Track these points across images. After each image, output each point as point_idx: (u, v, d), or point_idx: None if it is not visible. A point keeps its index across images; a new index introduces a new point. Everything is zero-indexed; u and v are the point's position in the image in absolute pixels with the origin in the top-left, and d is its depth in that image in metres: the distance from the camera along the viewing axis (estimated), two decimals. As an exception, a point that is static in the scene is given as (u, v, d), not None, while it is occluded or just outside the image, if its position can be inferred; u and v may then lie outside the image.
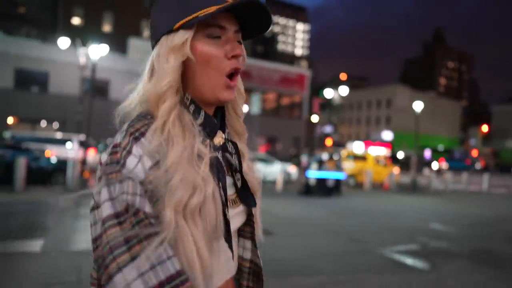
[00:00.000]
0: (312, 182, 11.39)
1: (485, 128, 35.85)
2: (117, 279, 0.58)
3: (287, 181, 15.77)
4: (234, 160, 0.77)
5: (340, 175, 12.01)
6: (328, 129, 36.60)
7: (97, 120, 22.32)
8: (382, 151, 52.30)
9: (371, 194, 13.90)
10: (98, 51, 21.24)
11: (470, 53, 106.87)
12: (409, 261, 5.07)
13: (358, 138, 59.83)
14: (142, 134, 0.65)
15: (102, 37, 32.36)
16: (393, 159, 41.86)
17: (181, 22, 0.70)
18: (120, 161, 0.63)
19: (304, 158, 17.53)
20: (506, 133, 53.39)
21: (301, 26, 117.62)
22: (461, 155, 44.07)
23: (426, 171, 25.16)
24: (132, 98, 0.75)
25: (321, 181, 11.13)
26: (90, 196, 0.68)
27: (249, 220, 0.81)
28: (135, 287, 0.57)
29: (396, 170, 17.73)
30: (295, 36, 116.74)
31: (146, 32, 35.33)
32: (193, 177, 0.64)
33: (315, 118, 61.28)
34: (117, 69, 23.99)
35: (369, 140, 56.24)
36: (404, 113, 56.66)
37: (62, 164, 11.19)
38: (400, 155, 45.42)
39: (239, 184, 0.78)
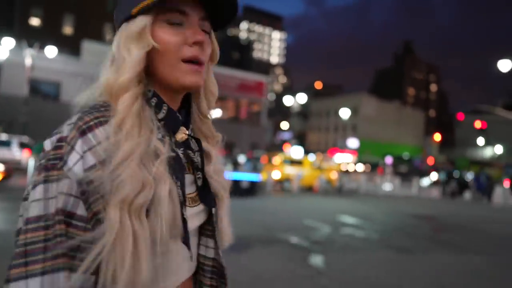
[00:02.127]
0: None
1: (437, 137, 37.17)
2: (14, 286, 0.55)
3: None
4: (196, 158, 0.74)
5: (255, 177, 12.36)
6: (286, 135, 37.19)
7: (48, 122, 22.19)
8: (348, 158, 53.64)
9: (293, 196, 14.40)
10: (47, 52, 21.16)
11: (437, 65, 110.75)
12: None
13: (326, 145, 61.00)
14: (90, 129, 0.61)
15: (62, 40, 32.20)
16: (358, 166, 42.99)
17: (139, 7, 0.66)
18: (64, 157, 0.59)
19: (240, 160, 17.90)
20: (467, 142, 55.63)
21: (277, 35, 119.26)
22: (420, 163, 45.59)
23: (375, 177, 26.02)
24: (92, 88, 0.70)
25: (235, 183, 11.48)
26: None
27: (210, 219, 0.78)
28: None
29: (333, 174, 18.35)
30: (271, 44, 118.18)
31: (109, 36, 35.16)
32: (144, 174, 0.60)
33: (285, 125, 62.17)
34: (70, 71, 23.80)
35: (336, 147, 57.45)
36: (370, 122, 58.32)
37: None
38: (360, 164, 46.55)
39: (199, 182, 0.75)
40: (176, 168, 0.67)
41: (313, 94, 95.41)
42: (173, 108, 0.72)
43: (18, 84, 22.37)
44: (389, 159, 49.07)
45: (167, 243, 0.63)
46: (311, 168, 17.67)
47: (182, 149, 0.72)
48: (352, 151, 55.19)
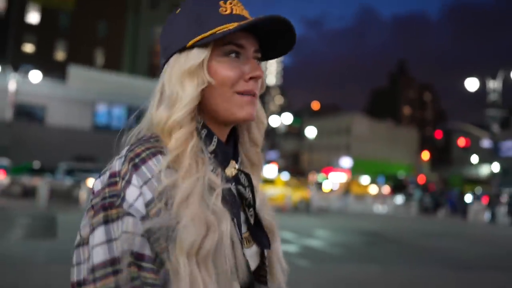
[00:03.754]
0: None
1: (425, 155, 37.48)
2: None
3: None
4: (247, 194, 0.69)
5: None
6: (272, 155, 37.69)
7: (32, 145, 22.77)
8: (342, 177, 53.81)
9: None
10: (32, 77, 21.97)
11: (431, 83, 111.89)
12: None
13: (320, 164, 61.29)
14: (143, 161, 0.58)
15: (54, 65, 33.24)
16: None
17: (196, 39, 0.64)
18: (120, 193, 0.56)
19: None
20: (465, 160, 55.75)
21: (267, 60, 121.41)
22: (413, 181, 45.67)
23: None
24: (140, 125, 0.68)
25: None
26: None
27: (263, 263, 0.71)
28: None
29: (307, 193, 18.66)
30: (266, 66, 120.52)
31: (100, 60, 36.26)
32: (205, 214, 0.57)
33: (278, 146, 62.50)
34: (55, 96, 24.59)
35: (330, 166, 57.67)
36: (362, 141, 58.75)
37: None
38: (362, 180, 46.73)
39: (252, 220, 0.69)
40: (232, 204, 0.63)
41: (310, 114, 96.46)
42: (222, 140, 0.69)
43: (2, 108, 23.10)
44: (381, 179, 49.31)
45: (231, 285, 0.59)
46: (284, 187, 18.00)
47: (233, 184, 0.67)
48: (346, 170, 55.42)
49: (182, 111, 0.62)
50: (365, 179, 51.20)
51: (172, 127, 0.62)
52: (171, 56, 0.66)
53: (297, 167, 66.66)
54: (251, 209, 0.69)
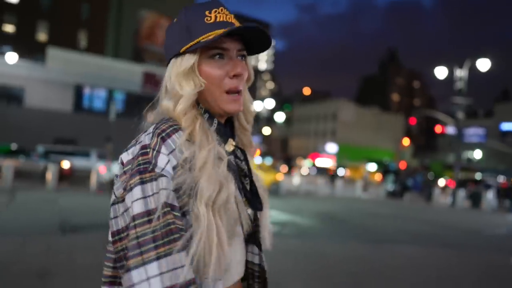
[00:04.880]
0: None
1: (405, 141, 38.12)
2: (136, 272, 0.64)
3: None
4: (243, 166, 0.84)
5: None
6: (254, 139, 37.99)
7: (12, 127, 22.81)
8: (328, 163, 54.59)
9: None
10: (8, 58, 21.90)
11: (420, 71, 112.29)
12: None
13: (307, 150, 61.95)
14: (168, 135, 0.73)
15: (36, 46, 32.90)
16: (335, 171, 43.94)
17: (186, 46, 0.78)
18: (151, 160, 0.70)
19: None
20: (450, 147, 56.77)
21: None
22: (392, 167, 46.57)
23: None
24: (153, 115, 0.84)
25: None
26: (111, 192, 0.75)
27: (256, 225, 0.85)
28: (154, 284, 0.63)
29: (279, 176, 19.17)
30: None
31: (83, 43, 35.93)
32: (218, 176, 0.72)
33: (267, 130, 63.05)
34: (34, 77, 24.53)
35: (317, 152, 58.40)
36: (348, 127, 59.35)
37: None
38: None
39: (248, 187, 0.84)
40: (234, 172, 0.80)
41: (301, 100, 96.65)
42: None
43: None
44: (367, 164, 50.11)
45: (232, 237, 0.74)
46: (257, 170, 18.48)
47: (232, 157, 0.83)
48: (331, 155, 56.16)
49: (183, 105, 0.78)
50: (372, 166, 51.57)
51: (179, 115, 0.78)
52: (169, 60, 0.82)
53: (285, 152, 67.51)
54: (247, 178, 0.84)
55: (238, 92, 0.81)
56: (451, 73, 19.08)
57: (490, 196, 16.97)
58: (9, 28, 33.40)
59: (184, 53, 0.79)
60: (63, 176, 15.77)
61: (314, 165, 55.81)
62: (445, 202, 19.77)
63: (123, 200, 0.71)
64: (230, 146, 0.84)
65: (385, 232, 8.60)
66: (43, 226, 6.36)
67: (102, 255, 0.77)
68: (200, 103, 0.83)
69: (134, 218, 0.67)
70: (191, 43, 0.78)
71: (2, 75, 22.90)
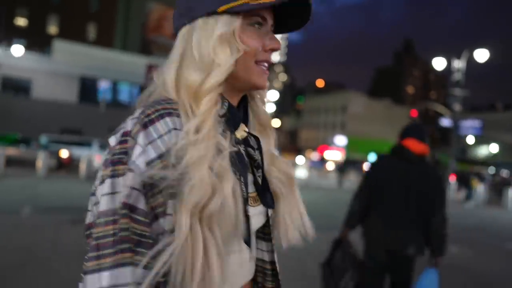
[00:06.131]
0: None
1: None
2: (90, 278, 0.56)
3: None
4: (256, 155, 0.72)
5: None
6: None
7: (19, 117, 23.74)
8: (337, 155, 54.39)
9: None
10: (14, 51, 22.72)
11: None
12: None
13: (317, 142, 61.82)
14: (151, 122, 0.61)
15: (47, 39, 33.84)
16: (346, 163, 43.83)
17: (228, 6, 0.65)
18: (129, 151, 0.59)
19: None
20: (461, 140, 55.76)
21: (278, 34, 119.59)
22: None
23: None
24: (150, 88, 0.70)
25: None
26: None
27: (268, 222, 0.75)
28: None
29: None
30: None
31: (92, 35, 36.72)
32: (213, 179, 0.59)
33: (276, 123, 63.06)
34: (40, 69, 25.37)
35: (326, 144, 58.21)
36: (358, 119, 58.84)
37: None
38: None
39: (259, 181, 0.72)
40: (240, 165, 0.67)
41: (313, 92, 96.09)
42: (233, 105, 0.71)
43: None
44: (372, 156, 49.74)
45: (229, 244, 0.63)
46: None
47: (243, 146, 0.71)
48: (340, 148, 55.90)
49: (219, 77, 0.65)
50: (373, 158, 51.20)
51: (208, 91, 0.64)
52: (195, 18, 0.67)
53: (295, 144, 67.52)
54: (260, 170, 0.73)
55: (270, 63, 0.73)
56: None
57: (480, 189, 16.80)
58: (21, 21, 34.46)
59: (221, 13, 0.66)
60: (62, 165, 16.42)
61: (322, 157, 55.65)
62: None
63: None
64: (241, 132, 0.73)
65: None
66: (5, 206, 6.84)
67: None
68: None
69: (98, 215, 0.59)
70: (237, 2, 0.65)
71: (10, 67, 23.75)
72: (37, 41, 32.76)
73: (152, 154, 0.59)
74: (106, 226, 0.57)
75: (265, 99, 0.81)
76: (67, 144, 18.93)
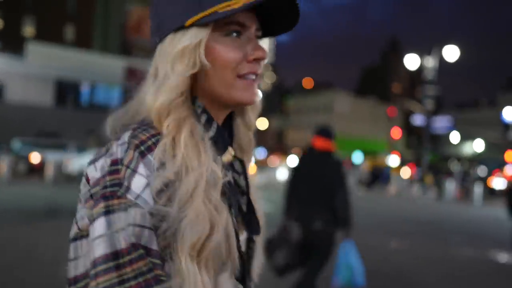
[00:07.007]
0: None
1: (395, 133, 37.66)
2: None
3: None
4: (241, 181, 0.67)
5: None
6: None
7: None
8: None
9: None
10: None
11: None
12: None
13: (304, 142, 61.79)
14: (149, 149, 0.54)
15: (23, 41, 33.02)
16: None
17: (195, 18, 0.58)
18: (123, 182, 0.51)
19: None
20: (445, 138, 56.19)
21: (266, 38, 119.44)
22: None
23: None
24: (126, 108, 0.63)
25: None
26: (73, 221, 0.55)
27: (250, 250, 0.69)
28: None
29: (253, 169, 19.19)
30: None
31: (70, 37, 35.98)
32: (210, 212, 0.54)
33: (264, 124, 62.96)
34: (14, 72, 24.67)
35: (313, 144, 58.20)
36: (344, 118, 58.95)
37: None
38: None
39: (244, 208, 0.67)
40: (230, 195, 0.61)
41: (302, 91, 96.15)
42: (219, 124, 0.65)
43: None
44: (358, 156, 49.81)
45: (219, 277, 0.57)
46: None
47: (230, 172, 0.64)
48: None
49: (168, 95, 0.57)
50: (358, 157, 51.49)
51: (159, 112, 0.57)
52: (165, 35, 0.61)
53: (282, 144, 67.35)
54: (244, 196, 0.67)
55: (256, 75, 0.63)
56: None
57: (450, 185, 16.76)
58: (-5, 23, 33.57)
59: (189, 27, 0.59)
60: (33, 169, 15.86)
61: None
62: (409, 193, 19.39)
63: (88, 235, 0.52)
64: (228, 156, 0.65)
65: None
66: None
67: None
68: (199, 97, 0.62)
69: (95, 263, 0.49)
70: (204, 13, 0.58)
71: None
72: (12, 43, 31.91)
73: (158, 185, 0.52)
74: (108, 273, 0.48)
75: (251, 119, 0.71)
76: (42, 147, 18.36)
